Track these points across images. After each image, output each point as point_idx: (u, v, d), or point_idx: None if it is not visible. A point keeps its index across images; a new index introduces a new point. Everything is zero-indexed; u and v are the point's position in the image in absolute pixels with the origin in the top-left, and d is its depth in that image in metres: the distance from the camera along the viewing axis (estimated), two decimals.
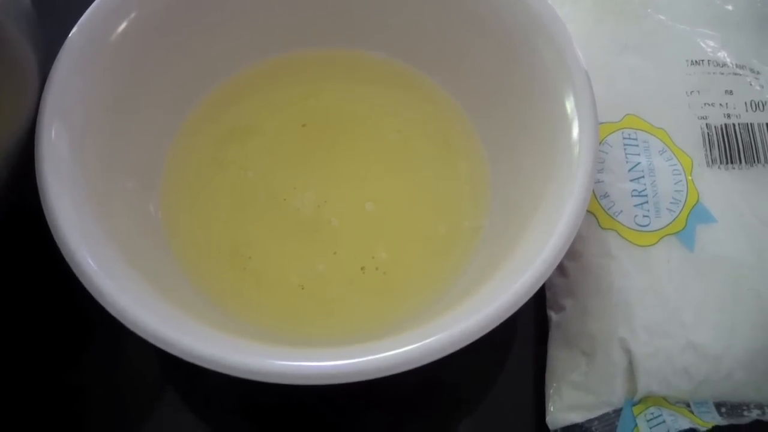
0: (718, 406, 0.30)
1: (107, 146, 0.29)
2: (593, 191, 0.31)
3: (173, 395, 0.32)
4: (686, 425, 0.29)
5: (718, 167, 0.31)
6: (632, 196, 0.31)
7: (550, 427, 0.30)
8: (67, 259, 0.24)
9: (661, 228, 0.30)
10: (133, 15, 0.30)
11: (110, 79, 0.29)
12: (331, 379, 0.23)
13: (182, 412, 0.32)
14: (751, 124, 0.32)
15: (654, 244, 0.30)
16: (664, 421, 0.29)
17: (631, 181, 0.31)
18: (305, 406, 0.32)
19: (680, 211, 0.30)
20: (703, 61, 0.33)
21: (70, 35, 0.28)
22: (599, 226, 0.31)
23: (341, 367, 0.23)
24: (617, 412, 0.30)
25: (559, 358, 0.31)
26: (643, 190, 0.31)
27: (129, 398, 0.32)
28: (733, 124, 0.32)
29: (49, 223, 0.25)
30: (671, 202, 0.30)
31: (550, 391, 0.31)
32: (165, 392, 0.32)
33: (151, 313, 0.24)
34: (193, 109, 0.34)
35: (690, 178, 0.31)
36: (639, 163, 0.31)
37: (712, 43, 0.34)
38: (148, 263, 0.28)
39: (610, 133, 0.32)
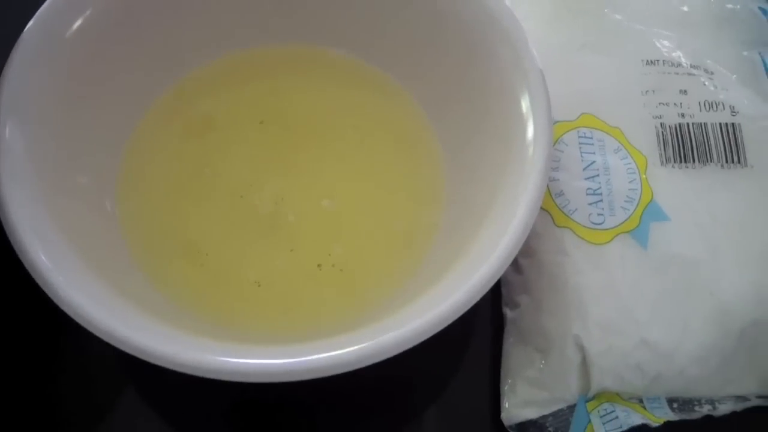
0: (671, 401, 0.30)
1: (64, 142, 0.29)
2: (548, 189, 0.31)
3: (135, 392, 0.32)
4: (638, 421, 0.30)
5: (672, 166, 0.31)
6: (587, 194, 0.31)
7: (505, 423, 0.31)
8: (20, 254, 0.24)
9: (616, 226, 0.30)
10: (89, 10, 0.29)
11: (67, 75, 0.29)
12: (284, 377, 0.23)
13: (144, 408, 0.32)
14: (704, 123, 0.32)
15: (608, 242, 0.30)
16: (617, 417, 0.29)
17: (586, 179, 0.31)
18: (262, 402, 0.32)
19: (634, 210, 0.30)
20: (658, 60, 0.33)
21: (25, 29, 0.28)
22: (554, 223, 0.31)
23: (295, 364, 0.23)
24: (571, 408, 0.30)
25: (514, 354, 0.31)
26: (598, 189, 0.31)
27: (91, 394, 0.32)
28: (687, 124, 0.32)
29: (2, 218, 0.25)
30: (625, 201, 0.31)
31: (505, 388, 0.31)
32: (127, 389, 0.32)
33: (104, 310, 0.24)
34: (151, 105, 0.33)
35: (644, 176, 0.31)
36: (594, 161, 0.31)
37: (667, 43, 0.34)
38: (103, 259, 0.27)
39: (566, 132, 0.32)
